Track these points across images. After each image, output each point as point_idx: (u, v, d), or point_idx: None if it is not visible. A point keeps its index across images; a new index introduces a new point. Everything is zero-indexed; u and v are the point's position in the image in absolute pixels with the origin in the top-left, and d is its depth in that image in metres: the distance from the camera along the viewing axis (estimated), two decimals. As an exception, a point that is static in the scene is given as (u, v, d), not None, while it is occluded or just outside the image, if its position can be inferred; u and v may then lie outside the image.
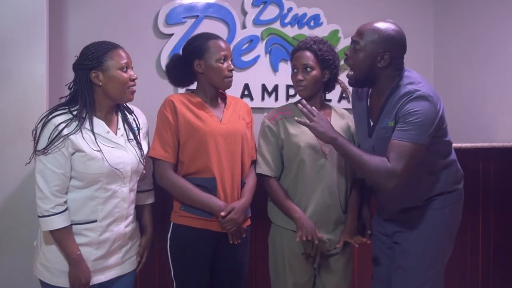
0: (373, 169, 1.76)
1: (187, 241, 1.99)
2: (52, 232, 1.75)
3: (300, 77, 2.08)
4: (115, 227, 1.83)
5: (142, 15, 3.33)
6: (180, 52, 2.13)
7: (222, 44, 2.03)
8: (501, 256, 3.17)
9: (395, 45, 1.86)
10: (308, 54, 2.09)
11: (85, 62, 1.78)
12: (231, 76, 2.05)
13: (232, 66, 2.05)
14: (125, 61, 1.81)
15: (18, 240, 2.27)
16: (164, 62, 3.34)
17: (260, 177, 2.12)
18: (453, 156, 2.02)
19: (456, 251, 2.89)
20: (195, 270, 1.99)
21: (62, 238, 1.75)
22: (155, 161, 2.00)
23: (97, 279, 1.82)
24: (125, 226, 1.86)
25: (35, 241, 1.89)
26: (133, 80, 1.83)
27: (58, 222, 1.73)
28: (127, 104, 1.95)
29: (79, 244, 1.78)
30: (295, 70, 2.11)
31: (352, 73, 1.93)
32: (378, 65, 1.86)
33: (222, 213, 1.94)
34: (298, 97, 2.20)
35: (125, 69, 1.81)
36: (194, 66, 2.03)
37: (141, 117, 1.99)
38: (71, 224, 1.77)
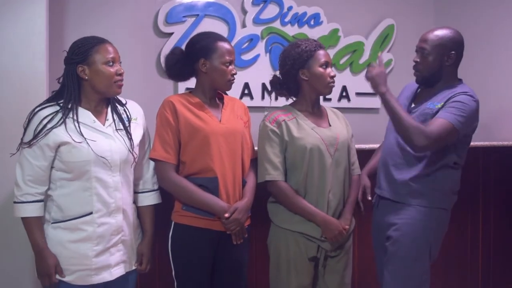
0: (410, 126, 1.93)
1: (188, 240, 1.99)
2: (22, 219, 1.79)
3: (333, 73, 2.10)
4: (112, 219, 1.82)
5: (142, 14, 3.33)
6: (184, 47, 2.11)
7: (230, 48, 2.04)
8: (501, 256, 3.17)
9: (458, 43, 2.10)
10: (323, 52, 2.11)
11: (72, 56, 1.80)
12: (234, 80, 2.05)
13: (235, 71, 2.05)
14: (111, 55, 1.81)
15: (18, 239, 2.26)
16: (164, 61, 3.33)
17: (268, 183, 2.06)
18: (460, 166, 2.15)
19: (456, 251, 2.89)
20: (196, 270, 1.99)
21: (29, 226, 1.78)
22: (156, 163, 1.99)
23: (102, 277, 1.82)
24: (123, 218, 1.85)
25: None
26: (120, 74, 1.83)
27: (24, 211, 1.77)
28: (119, 97, 1.95)
29: (78, 240, 1.78)
30: (325, 67, 2.07)
31: (419, 73, 2.13)
32: (446, 64, 2.09)
33: (226, 215, 1.94)
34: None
35: (111, 64, 1.81)
36: (199, 64, 2.02)
37: (135, 108, 1.98)
38: (67, 221, 1.78)
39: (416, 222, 2.04)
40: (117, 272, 1.86)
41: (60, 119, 1.76)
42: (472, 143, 3.05)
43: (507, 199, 3.17)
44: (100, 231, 1.80)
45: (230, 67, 2.02)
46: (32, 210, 1.78)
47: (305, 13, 3.70)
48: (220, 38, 2.05)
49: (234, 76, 2.05)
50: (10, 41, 2.34)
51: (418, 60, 2.11)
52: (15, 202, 1.79)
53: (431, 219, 2.06)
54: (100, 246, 1.80)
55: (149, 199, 2.03)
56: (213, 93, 2.08)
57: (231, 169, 2.01)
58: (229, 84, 2.04)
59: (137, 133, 1.94)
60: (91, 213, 1.79)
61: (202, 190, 1.97)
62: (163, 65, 2.15)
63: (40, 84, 2.36)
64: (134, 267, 1.95)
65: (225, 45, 2.02)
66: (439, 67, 2.08)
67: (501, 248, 3.16)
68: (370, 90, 2.09)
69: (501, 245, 3.16)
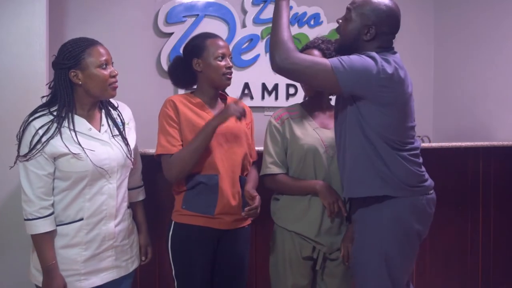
0: (283, 40, 1.82)
1: (188, 239, 1.99)
2: (34, 236, 1.72)
3: None
4: (103, 225, 1.79)
5: (142, 14, 3.33)
6: (181, 53, 2.13)
7: (220, 42, 2.03)
8: (501, 256, 3.17)
9: (383, 20, 1.83)
10: (316, 52, 2.08)
11: (63, 61, 1.72)
12: (230, 74, 2.04)
13: (231, 64, 2.04)
14: (104, 58, 1.75)
15: (18, 240, 2.27)
16: (164, 61, 3.34)
17: (266, 177, 2.09)
18: (413, 152, 1.84)
19: (456, 251, 2.89)
20: (196, 269, 1.98)
21: (41, 243, 1.71)
22: (164, 157, 1.97)
23: (92, 282, 1.79)
24: (114, 226, 1.82)
25: None
26: (114, 76, 1.78)
27: (42, 226, 1.70)
28: (110, 99, 1.91)
29: (66, 245, 1.75)
30: None
31: (339, 38, 1.91)
32: (363, 38, 1.84)
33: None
34: (299, 96, 2.19)
35: (104, 66, 1.75)
36: (193, 65, 2.02)
37: (126, 111, 1.95)
38: (57, 226, 1.74)
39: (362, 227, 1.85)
40: (108, 277, 1.83)
41: (56, 129, 1.71)
42: (472, 143, 3.08)
43: (507, 199, 3.17)
44: (90, 237, 1.77)
45: (224, 61, 2.01)
46: (48, 225, 1.71)
47: (305, 13, 3.71)
48: (208, 35, 2.06)
49: (230, 69, 2.03)
50: (10, 41, 2.34)
51: (340, 21, 1.91)
52: (28, 220, 1.70)
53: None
54: (89, 252, 1.77)
55: (140, 195, 2.04)
56: (213, 93, 2.07)
57: (230, 169, 2.00)
58: (225, 78, 2.02)
59: (131, 138, 1.92)
60: (82, 219, 1.76)
61: (204, 186, 1.96)
62: (167, 73, 2.16)
63: (40, 84, 2.36)
64: (129, 271, 1.92)
65: (214, 41, 2.02)
66: (355, 39, 1.84)
67: (501, 247, 3.16)
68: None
69: (501, 245, 3.16)
